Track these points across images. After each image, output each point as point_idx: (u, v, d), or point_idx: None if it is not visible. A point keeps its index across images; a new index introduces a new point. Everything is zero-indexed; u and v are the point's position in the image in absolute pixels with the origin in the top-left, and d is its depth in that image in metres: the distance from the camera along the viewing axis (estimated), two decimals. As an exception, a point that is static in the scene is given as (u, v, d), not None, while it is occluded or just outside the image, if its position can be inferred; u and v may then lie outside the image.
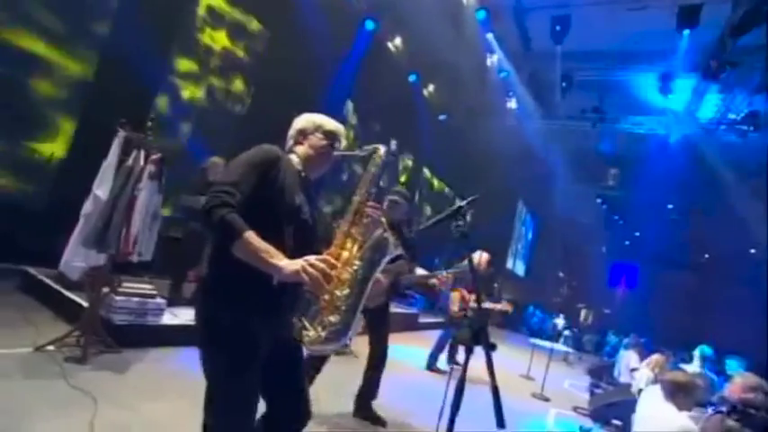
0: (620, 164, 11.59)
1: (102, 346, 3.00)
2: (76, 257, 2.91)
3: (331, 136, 1.52)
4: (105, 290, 3.16)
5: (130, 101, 4.23)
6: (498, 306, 4.96)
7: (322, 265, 1.16)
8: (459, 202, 1.28)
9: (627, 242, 15.41)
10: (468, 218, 1.34)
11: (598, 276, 15.46)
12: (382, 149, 1.43)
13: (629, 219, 14.08)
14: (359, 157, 1.48)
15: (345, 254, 1.32)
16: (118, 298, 3.28)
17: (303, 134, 1.52)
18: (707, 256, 14.29)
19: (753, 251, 13.04)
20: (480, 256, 5.05)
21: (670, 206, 12.75)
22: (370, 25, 8.14)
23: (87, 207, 2.96)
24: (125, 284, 3.38)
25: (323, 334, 1.27)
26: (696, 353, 4.72)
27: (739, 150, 9.42)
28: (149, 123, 3.11)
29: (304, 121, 1.55)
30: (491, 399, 1.08)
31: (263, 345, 1.30)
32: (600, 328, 12.44)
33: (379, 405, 3.02)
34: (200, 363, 1.30)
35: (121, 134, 3.07)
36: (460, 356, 5.55)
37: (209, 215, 1.20)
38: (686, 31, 6.65)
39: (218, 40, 5.93)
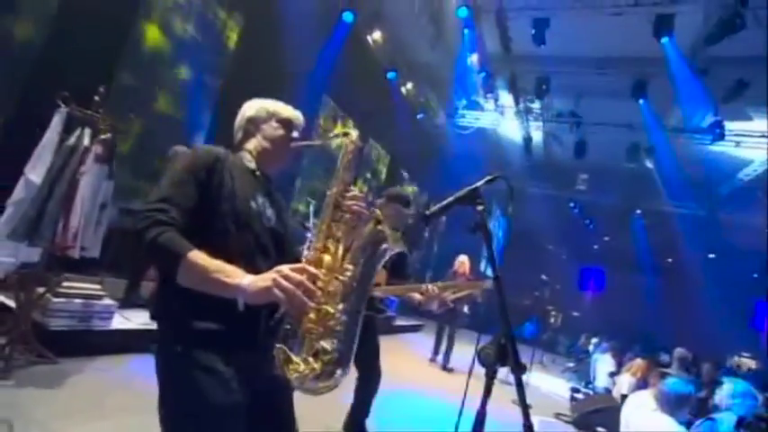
0: (591, 169, 11.80)
1: (34, 356, 2.57)
2: (2, 251, 2.47)
3: (288, 124, 1.28)
4: (40, 290, 2.73)
5: (85, 73, 3.71)
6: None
7: (299, 277, 0.89)
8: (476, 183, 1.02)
9: (596, 246, 15.77)
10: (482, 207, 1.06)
11: (567, 280, 15.75)
12: (354, 134, 1.19)
13: (600, 223, 14.40)
14: (324, 145, 1.28)
15: (328, 258, 1.05)
16: (56, 300, 2.85)
17: (254, 124, 1.28)
18: (669, 260, 14.82)
19: (711, 256, 13.62)
20: (464, 261, 4.94)
21: (638, 211, 13.10)
22: (348, 17, 7.86)
23: (18, 193, 2.51)
24: (66, 284, 2.95)
25: (317, 366, 0.96)
26: (675, 355, 4.71)
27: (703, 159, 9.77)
28: (96, 98, 2.69)
29: (254, 108, 1.30)
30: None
31: (239, 393, 1.01)
32: (570, 331, 12.62)
33: (372, 420, 2.70)
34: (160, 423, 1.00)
35: (63, 109, 2.64)
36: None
37: (140, 241, 0.93)
38: (665, 39, 6.73)
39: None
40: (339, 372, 0.97)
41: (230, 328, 0.99)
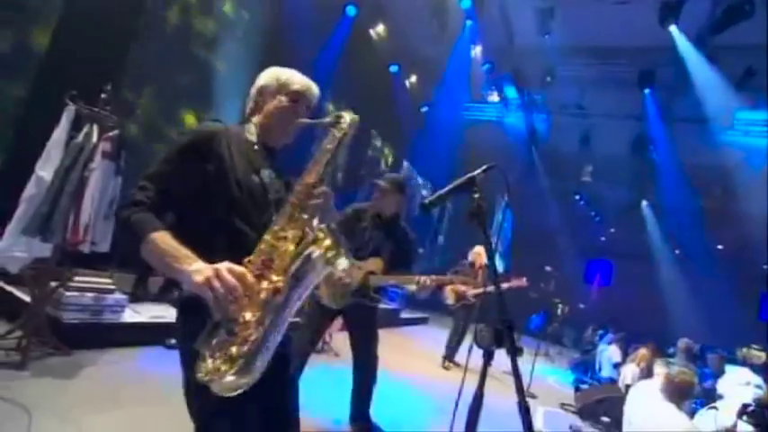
0: (597, 160, 11.72)
1: (48, 348, 2.65)
2: (16, 247, 2.54)
3: (297, 97, 1.24)
4: (53, 284, 2.80)
5: (91, 72, 3.77)
6: (514, 282, 4.72)
7: (234, 282, 0.88)
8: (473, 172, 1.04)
9: (602, 238, 15.68)
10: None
11: (573, 272, 15.68)
12: (348, 117, 1.15)
13: (606, 215, 14.31)
14: (324, 125, 1.19)
15: (270, 260, 1.01)
16: (68, 293, 2.93)
17: (263, 95, 1.25)
18: (677, 252, 14.70)
19: (720, 247, 13.49)
20: (481, 253, 4.93)
21: (644, 203, 13.01)
22: (351, 11, 7.86)
23: (29, 190, 2.58)
24: (78, 278, 3.02)
25: (224, 368, 0.92)
26: (680, 345, 4.71)
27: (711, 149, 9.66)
28: (104, 96, 2.74)
29: (267, 76, 1.27)
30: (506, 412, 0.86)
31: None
32: (577, 324, 12.60)
33: (379, 411, 2.75)
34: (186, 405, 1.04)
35: (71, 107, 2.69)
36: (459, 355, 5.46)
37: (116, 218, 1.00)
38: (673, 27, 6.63)
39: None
40: (244, 378, 0.92)
41: None
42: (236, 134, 1.16)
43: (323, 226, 1.03)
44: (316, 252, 0.98)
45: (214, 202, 1.06)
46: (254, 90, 1.27)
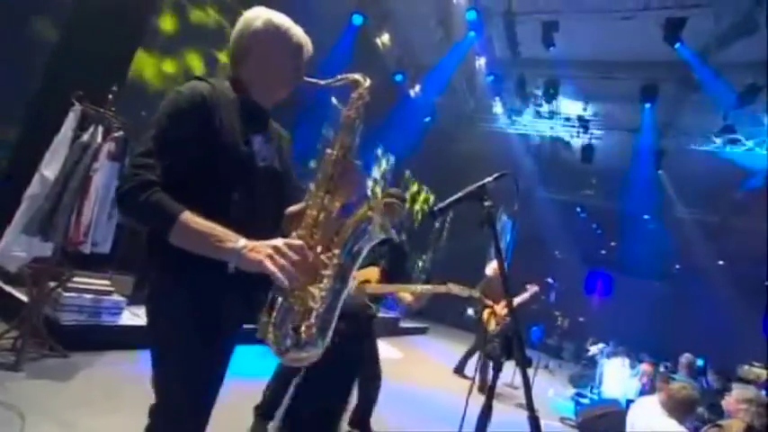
0: (599, 173, 11.72)
1: (45, 349, 2.62)
2: (16, 246, 2.52)
3: (298, 52, 1.13)
4: (52, 285, 2.77)
5: (100, 72, 3.77)
6: (527, 293, 4.67)
7: (295, 256, 0.87)
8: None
9: (603, 251, 15.64)
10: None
11: (574, 284, 15.61)
12: (366, 82, 1.11)
13: (607, 228, 14.30)
14: (331, 86, 1.14)
15: (318, 233, 1.03)
16: (66, 294, 2.91)
17: (258, 41, 1.10)
18: (678, 266, 14.66)
19: (721, 262, 13.44)
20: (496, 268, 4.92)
21: (646, 217, 12.99)
22: (357, 20, 7.93)
23: (33, 188, 2.57)
24: (76, 279, 3.00)
25: (295, 340, 0.97)
26: (682, 361, 4.66)
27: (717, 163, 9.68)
28: (110, 96, 2.74)
29: (261, 21, 1.10)
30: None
31: (228, 329, 1.06)
32: (577, 337, 12.51)
33: (380, 419, 2.75)
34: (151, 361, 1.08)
35: (77, 108, 2.69)
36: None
37: (126, 202, 0.91)
38: (677, 45, 6.68)
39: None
40: (320, 342, 0.97)
41: (227, 274, 0.96)
42: (223, 93, 1.06)
43: (370, 196, 1.06)
44: (373, 215, 1.02)
45: (202, 172, 0.99)
46: (245, 32, 1.11)
